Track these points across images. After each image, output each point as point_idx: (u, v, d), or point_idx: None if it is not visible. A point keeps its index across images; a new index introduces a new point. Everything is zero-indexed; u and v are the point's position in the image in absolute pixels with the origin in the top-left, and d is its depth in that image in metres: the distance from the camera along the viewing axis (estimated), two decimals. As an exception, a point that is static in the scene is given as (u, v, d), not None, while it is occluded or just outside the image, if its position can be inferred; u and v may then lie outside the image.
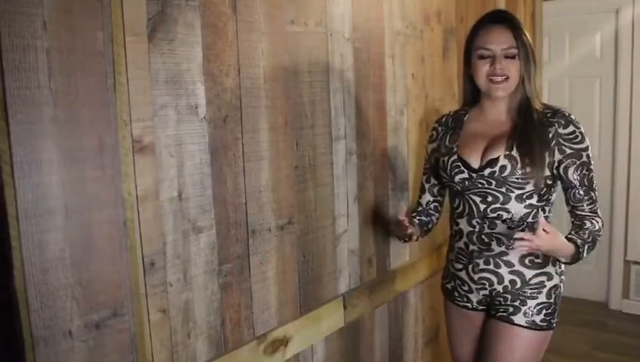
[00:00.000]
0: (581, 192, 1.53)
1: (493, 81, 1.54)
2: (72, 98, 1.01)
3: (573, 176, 1.52)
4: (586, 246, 1.47)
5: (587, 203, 1.54)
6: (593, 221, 1.53)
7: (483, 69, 1.55)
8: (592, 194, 1.54)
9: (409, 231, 1.60)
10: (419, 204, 1.83)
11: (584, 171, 1.52)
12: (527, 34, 1.56)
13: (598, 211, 1.56)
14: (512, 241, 1.43)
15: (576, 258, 1.47)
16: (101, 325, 1.08)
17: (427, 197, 1.81)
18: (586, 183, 1.53)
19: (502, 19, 1.57)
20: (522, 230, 1.53)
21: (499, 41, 1.52)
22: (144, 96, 1.13)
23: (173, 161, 1.21)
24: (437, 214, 1.83)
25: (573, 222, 1.57)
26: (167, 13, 1.17)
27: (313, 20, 1.56)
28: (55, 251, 1.00)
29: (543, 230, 1.35)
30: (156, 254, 1.18)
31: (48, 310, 0.99)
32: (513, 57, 1.52)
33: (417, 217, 1.78)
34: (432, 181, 1.78)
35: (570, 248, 1.44)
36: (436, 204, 1.81)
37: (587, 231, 1.50)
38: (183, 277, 1.25)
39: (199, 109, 1.25)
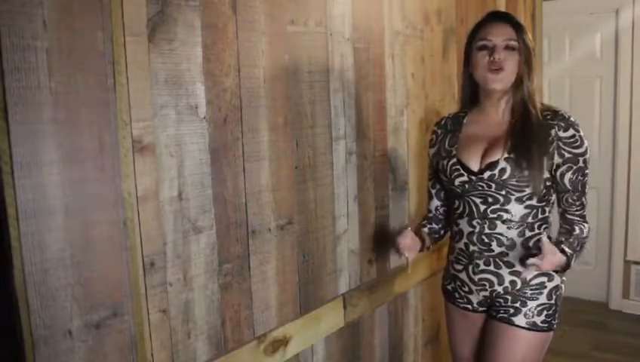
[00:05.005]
0: (574, 197, 1.57)
1: (490, 70, 1.52)
2: (72, 98, 1.01)
3: (568, 181, 1.55)
4: (574, 256, 1.53)
5: (578, 208, 1.58)
6: (581, 226, 1.59)
7: (482, 60, 1.54)
8: (583, 199, 1.58)
9: (406, 253, 1.62)
10: (428, 210, 1.83)
11: (579, 177, 1.54)
12: (530, 36, 1.57)
13: (586, 217, 1.61)
14: (525, 269, 1.53)
15: (566, 268, 1.53)
16: (101, 325, 1.08)
17: (435, 202, 1.80)
18: (579, 188, 1.56)
19: (503, 17, 1.59)
20: (526, 245, 1.56)
21: (499, 33, 1.53)
22: (144, 96, 1.13)
23: (173, 161, 1.21)
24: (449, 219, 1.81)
25: (561, 225, 1.62)
26: (167, 13, 1.17)
27: (313, 20, 1.56)
28: (55, 251, 1.00)
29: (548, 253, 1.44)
30: (156, 254, 1.18)
31: (48, 310, 0.99)
32: (513, 49, 1.53)
33: (428, 225, 1.78)
34: (438, 186, 1.77)
35: (563, 260, 1.50)
36: (445, 208, 1.79)
37: (576, 239, 1.56)
38: (183, 277, 1.25)
39: (199, 109, 1.25)
